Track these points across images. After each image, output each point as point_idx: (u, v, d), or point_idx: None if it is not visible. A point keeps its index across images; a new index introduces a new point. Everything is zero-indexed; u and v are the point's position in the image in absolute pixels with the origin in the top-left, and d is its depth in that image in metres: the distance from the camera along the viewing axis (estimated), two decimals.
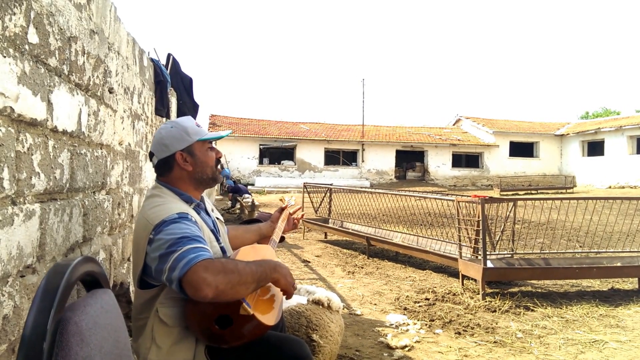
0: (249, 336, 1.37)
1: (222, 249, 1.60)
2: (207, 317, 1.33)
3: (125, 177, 2.53)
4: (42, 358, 0.75)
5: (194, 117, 5.04)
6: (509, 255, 4.56)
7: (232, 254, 1.59)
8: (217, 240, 1.59)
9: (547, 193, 19.76)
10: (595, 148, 24.04)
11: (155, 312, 1.41)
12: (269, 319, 1.41)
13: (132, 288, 2.56)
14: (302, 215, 2.11)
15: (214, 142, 1.70)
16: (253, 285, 1.32)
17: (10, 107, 1.12)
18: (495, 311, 3.58)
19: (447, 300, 3.87)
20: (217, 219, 1.73)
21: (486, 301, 3.78)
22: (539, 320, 3.40)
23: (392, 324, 3.33)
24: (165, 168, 1.56)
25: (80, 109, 1.67)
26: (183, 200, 1.52)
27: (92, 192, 1.89)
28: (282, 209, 2.03)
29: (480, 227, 4.04)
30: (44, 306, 0.79)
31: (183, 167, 1.53)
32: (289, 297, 1.48)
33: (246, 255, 1.55)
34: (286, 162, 24.43)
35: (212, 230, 1.58)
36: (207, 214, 1.66)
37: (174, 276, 1.24)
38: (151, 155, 1.59)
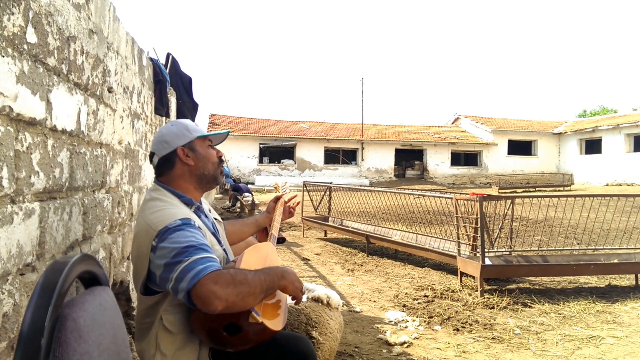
0: (257, 340, 1.37)
1: (225, 251, 1.60)
2: (216, 326, 1.32)
3: (125, 176, 2.54)
4: (40, 354, 0.75)
5: (194, 116, 5.05)
6: (507, 253, 4.57)
7: (237, 259, 1.55)
8: (219, 242, 1.58)
9: (545, 191, 19.77)
10: (592, 146, 24.07)
11: (159, 319, 1.39)
12: (276, 324, 1.41)
13: (131, 286, 2.57)
14: (297, 203, 2.11)
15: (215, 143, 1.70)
16: (262, 295, 1.31)
17: (9, 106, 1.13)
18: (493, 308, 3.60)
19: (445, 297, 3.89)
20: (215, 219, 1.71)
21: (484, 298, 3.80)
22: (537, 316, 3.41)
23: (391, 321, 3.35)
24: (166, 166, 1.54)
25: (80, 108, 1.68)
26: (183, 203, 1.50)
27: (92, 190, 1.90)
28: (277, 198, 2.02)
29: (479, 225, 4.05)
30: (41, 303, 0.79)
31: (185, 162, 1.53)
32: (297, 302, 1.48)
33: (250, 258, 1.53)
34: (286, 161, 24.43)
35: (213, 233, 1.57)
36: (206, 215, 1.64)
37: (181, 287, 1.23)
38: (152, 155, 1.58)
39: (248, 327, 1.32)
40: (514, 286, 4.23)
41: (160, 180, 1.56)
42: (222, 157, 1.68)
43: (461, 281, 4.28)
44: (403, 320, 3.35)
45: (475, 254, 4.23)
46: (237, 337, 1.33)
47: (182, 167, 1.53)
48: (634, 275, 4.35)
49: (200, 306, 1.21)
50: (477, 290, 3.93)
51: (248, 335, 1.34)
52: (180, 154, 1.53)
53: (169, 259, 1.27)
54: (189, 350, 1.40)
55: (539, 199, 5.15)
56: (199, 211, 1.57)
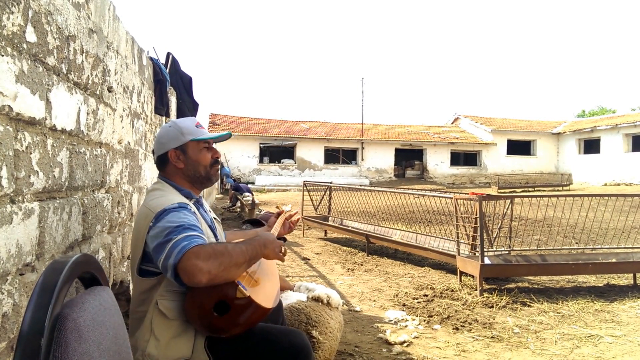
0: (248, 322, 1.39)
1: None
2: (205, 306, 1.36)
3: (125, 176, 2.54)
4: (40, 354, 0.75)
5: (194, 116, 5.05)
6: (506, 252, 4.57)
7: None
8: (215, 236, 1.63)
9: (544, 190, 19.78)
10: (591, 146, 24.10)
11: (155, 304, 1.43)
12: (266, 301, 1.43)
13: (132, 286, 2.57)
14: (299, 219, 2.15)
15: (214, 143, 1.72)
16: (245, 264, 1.37)
17: (9, 105, 1.13)
18: (492, 307, 3.60)
19: (445, 297, 3.89)
20: (214, 219, 1.76)
21: (484, 297, 3.80)
22: (536, 315, 3.42)
23: (391, 320, 3.35)
24: (162, 165, 1.65)
25: (79, 108, 1.68)
26: (183, 195, 1.59)
27: (92, 190, 1.90)
28: (278, 214, 2.07)
29: (478, 224, 4.05)
30: (41, 302, 0.79)
31: (175, 165, 1.61)
32: (282, 260, 1.54)
33: None
34: (286, 161, 24.42)
35: (209, 226, 1.62)
36: (205, 211, 1.70)
37: (169, 263, 1.29)
38: (153, 152, 1.69)
39: (236, 304, 1.35)
40: (513, 285, 4.23)
41: (162, 174, 1.67)
42: (219, 159, 1.70)
43: (461, 280, 4.28)
44: (403, 319, 3.35)
45: (474, 254, 4.23)
46: (226, 317, 1.35)
47: (174, 168, 1.62)
48: (632, 274, 4.35)
49: (186, 281, 1.27)
50: (476, 290, 3.94)
51: (238, 315, 1.36)
52: (172, 156, 1.61)
53: (161, 238, 1.34)
54: (185, 340, 1.43)
55: (538, 198, 5.15)
56: (198, 204, 1.65)
